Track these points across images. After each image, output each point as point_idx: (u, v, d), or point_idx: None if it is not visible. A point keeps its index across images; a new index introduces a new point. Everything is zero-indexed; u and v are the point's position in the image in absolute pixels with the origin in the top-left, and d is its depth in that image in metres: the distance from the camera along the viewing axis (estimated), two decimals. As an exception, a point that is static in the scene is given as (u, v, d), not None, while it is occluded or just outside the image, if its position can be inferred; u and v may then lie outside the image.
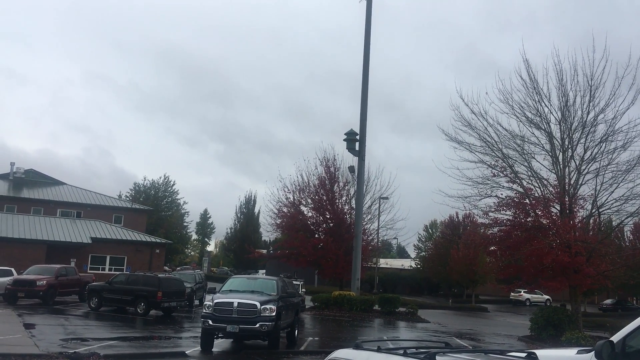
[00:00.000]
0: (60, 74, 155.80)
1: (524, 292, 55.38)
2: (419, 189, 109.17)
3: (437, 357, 3.81)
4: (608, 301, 55.09)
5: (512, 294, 57.44)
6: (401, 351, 4.12)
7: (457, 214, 58.54)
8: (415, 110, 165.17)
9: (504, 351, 4.58)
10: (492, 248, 29.25)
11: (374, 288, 55.59)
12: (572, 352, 6.16)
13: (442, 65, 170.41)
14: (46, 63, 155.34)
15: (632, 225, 37.60)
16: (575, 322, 23.21)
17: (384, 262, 69.89)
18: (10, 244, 40.26)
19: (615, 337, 5.49)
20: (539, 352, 4.69)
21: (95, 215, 52.80)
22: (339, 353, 4.64)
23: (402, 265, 76.36)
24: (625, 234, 42.01)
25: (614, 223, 26.81)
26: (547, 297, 56.47)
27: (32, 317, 22.37)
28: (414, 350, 4.18)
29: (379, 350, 4.31)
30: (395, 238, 49.03)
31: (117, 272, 34.71)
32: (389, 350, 4.28)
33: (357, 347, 4.52)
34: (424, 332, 25.15)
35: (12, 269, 30.83)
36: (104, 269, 44.01)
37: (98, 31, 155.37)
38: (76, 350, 14.66)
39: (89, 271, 40.66)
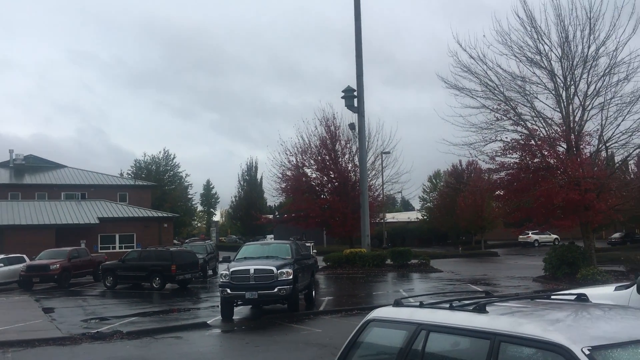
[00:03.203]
0: (43, 55, 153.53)
1: (531, 233, 55.57)
2: (418, 141, 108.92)
3: (487, 307, 3.66)
4: (616, 235, 55.33)
5: (520, 236, 57.69)
6: (447, 305, 3.97)
7: (460, 162, 58.22)
8: (407, 61, 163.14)
9: (549, 294, 4.44)
10: (498, 192, 29.16)
11: (383, 243, 55.88)
12: (609, 289, 6.07)
13: (429, 10, 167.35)
14: (27, 45, 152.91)
15: (635, 158, 37.53)
16: (590, 259, 23.26)
17: (390, 217, 70.11)
18: (20, 231, 40.35)
19: (656, 271, 5.38)
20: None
21: (99, 195, 52.77)
22: (379, 312, 4.50)
23: (409, 217, 76.60)
24: (630, 167, 41.96)
25: (619, 157, 26.60)
26: (555, 236, 56.68)
27: (50, 301, 22.49)
28: (457, 302, 4.03)
29: (421, 305, 4.16)
30: (399, 192, 49.03)
31: (128, 250, 34.83)
32: (433, 305, 4.14)
33: (398, 304, 4.37)
34: (439, 282, 25.29)
35: (24, 256, 30.89)
36: (114, 248, 44.20)
37: (75, 7, 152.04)
38: (99, 330, 14.73)
39: (99, 251, 40.84)
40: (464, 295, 4.71)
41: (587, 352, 2.90)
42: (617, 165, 26.90)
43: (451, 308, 3.89)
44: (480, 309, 3.65)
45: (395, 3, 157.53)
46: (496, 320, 3.50)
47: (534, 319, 3.46)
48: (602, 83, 23.52)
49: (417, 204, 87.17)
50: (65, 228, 42.14)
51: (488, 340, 3.39)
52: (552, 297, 4.34)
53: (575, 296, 4.14)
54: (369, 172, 36.85)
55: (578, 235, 26.52)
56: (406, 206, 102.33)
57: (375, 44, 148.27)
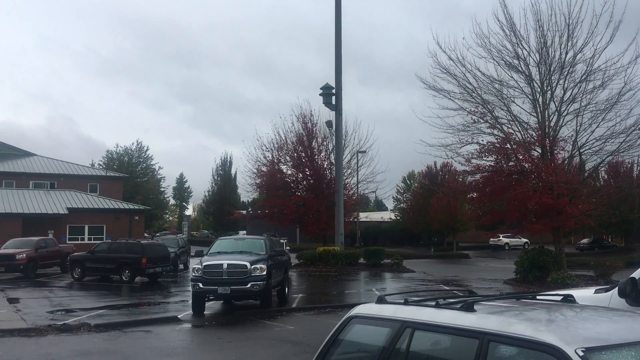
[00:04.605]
0: (13, 41, 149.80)
1: (502, 236, 56.22)
2: (392, 141, 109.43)
3: (474, 306, 3.55)
4: (585, 240, 56.39)
5: (491, 239, 58.34)
6: (432, 302, 3.86)
7: (435, 163, 58.55)
8: (384, 61, 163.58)
9: (535, 294, 4.37)
10: (472, 195, 29.33)
11: (355, 242, 55.95)
12: (589, 292, 6.05)
13: (407, 11, 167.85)
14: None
15: (606, 166, 38.26)
16: (560, 263, 23.53)
17: (364, 216, 70.17)
18: (-16, 220, 39.24)
19: (637, 274, 5.37)
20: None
21: (69, 185, 51.64)
22: (361, 309, 4.38)
23: (382, 217, 76.89)
24: (600, 174, 42.75)
25: (591, 164, 26.93)
26: (525, 240, 57.51)
27: (15, 291, 21.88)
28: (443, 300, 3.92)
29: (406, 303, 4.04)
30: (374, 192, 48.94)
31: (97, 242, 34.16)
32: (418, 303, 4.03)
33: (381, 301, 4.25)
34: (411, 282, 25.35)
35: (-11, 245, 30.03)
36: (82, 239, 43.30)
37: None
38: (65, 322, 14.35)
39: (67, 242, 39.98)
40: (437, 294, 4.62)
41: (581, 354, 2.81)
42: (589, 171, 27.29)
43: (437, 306, 3.78)
44: (468, 308, 3.54)
45: (372, 2, 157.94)
46: (485, 319, 3.40)
47: (524, 318, 3.37)
48: (578, 90, 23.88)
49: (390, 204, 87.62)
50: (32, 217, 41.15)
51: (477, 340, 3.29)
52: (538, 297, 4.27)
53: (561, 297, 4.07)
54: (344, 171, 36.81)
55: (548, 239, 26.87)
56: (379, 206, 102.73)
57: (352, 42, 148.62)
